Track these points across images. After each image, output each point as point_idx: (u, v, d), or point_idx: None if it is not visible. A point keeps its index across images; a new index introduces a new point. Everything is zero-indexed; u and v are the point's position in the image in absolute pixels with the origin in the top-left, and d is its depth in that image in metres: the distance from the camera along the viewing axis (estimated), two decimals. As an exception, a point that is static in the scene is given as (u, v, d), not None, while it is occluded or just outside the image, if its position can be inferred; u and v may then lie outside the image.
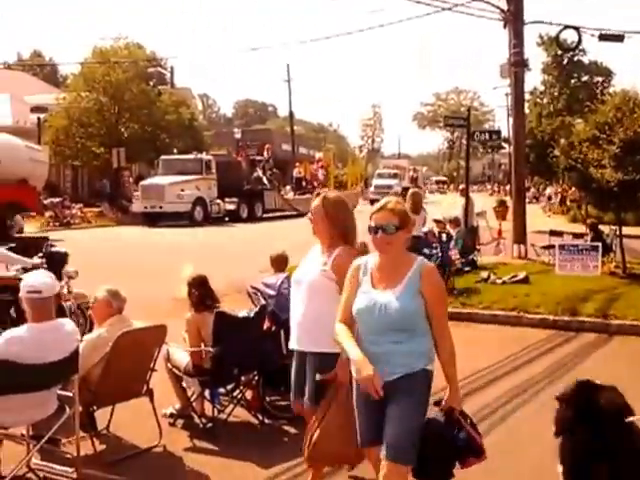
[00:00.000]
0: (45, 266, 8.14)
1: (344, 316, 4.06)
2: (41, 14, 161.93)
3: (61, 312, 7.79)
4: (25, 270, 7.94)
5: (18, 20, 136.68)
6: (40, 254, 8.62)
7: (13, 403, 4.78)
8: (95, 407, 5.72)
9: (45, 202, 30.12)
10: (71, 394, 5.16)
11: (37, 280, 5.04)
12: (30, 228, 25.88)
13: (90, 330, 7.24)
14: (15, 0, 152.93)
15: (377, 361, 3.81)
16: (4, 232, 22.56)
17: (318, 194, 5.03)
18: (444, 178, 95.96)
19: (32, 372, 4.74)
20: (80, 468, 5.16)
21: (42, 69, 70.93)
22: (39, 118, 34.03)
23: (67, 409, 5.14)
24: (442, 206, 31.17)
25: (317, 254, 4.90)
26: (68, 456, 5.35)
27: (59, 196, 33.16)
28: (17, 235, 9.73)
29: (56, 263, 8.45)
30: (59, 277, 7.91)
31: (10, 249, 8.88)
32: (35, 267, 8.06)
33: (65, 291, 8.26)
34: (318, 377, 4.60)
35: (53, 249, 8.88)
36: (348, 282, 4.10)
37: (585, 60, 56.60)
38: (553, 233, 17.47)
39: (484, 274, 13.83)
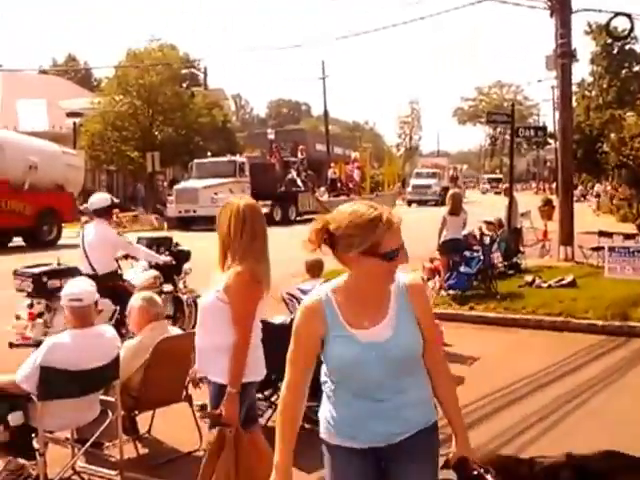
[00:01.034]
0: (174, 262, 9.47)
1: (294, 378, 3.12)
2: (75, 18, 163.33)
3: (179, 304, 9.52)
4: (153, 267, 9.21)
5: (53, 25, 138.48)
6: (167, 252, 9.65)
7: (57, 408, 4.91)
8: (137, 412, 5.90)
9: (81, 207, 29.99)
10: (113, 399, 5.32)
11: (78, 288, 5.23)
12: (67, 233, 25.79)
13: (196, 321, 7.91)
14: (49, 6, 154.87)
15: (377, 422, 2.92)
16: (41, 239, 22.52)
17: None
18: (499, 175, 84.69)
19: (75, 378, 4.90)
20: (123, 471, 5.33)
21: (76, 73, 71.45)
22: (75, 123, 34.11)
23: (110, 414, 5.29)
24: (482, 206, 30.27)
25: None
26: (112, 459, 5.53)
27: (94, 201, 32.89)
28: (144, 235, 10.88)
29: (181, 260, 9.79)
30: (179, 273, 9.77)
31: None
32: (165, 264, 9.27)
33: (181, 285, 9.72)
34: (199, 415, 4.35)
35: (179, 248, 10.05)
36: (302, 331, 3.01)
37: (637, 49, 53.89)
38: (602, 234, 16.71)
39: (528, 278, 13.40)
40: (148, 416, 6.06)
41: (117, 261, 8.89)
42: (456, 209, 12.70)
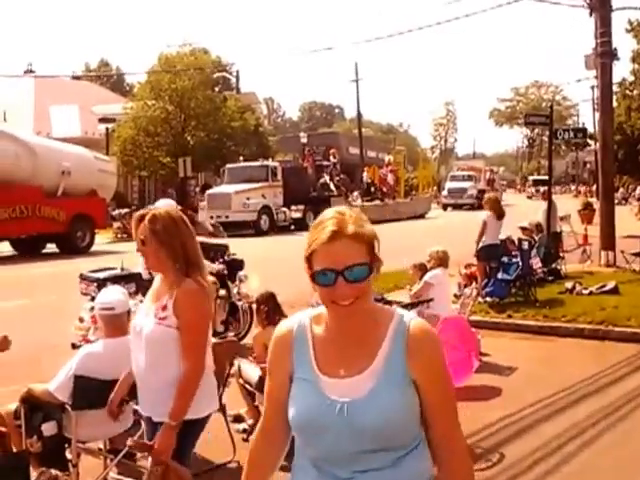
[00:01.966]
0: (226, 272, 9.61)
1: (267, 416, 2.37)
2: (108, 23, 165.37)
3: (234, 309, 9.75)
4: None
5: (86, 30, 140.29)
6: (221, 260, 9.81)
7: (90, 418, 4.83)
8: None
9: (113, 213, 30.16)
10: None
11: (111, 297, 5.20)
12: (99, 239, 26.06)
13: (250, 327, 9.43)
14: (82, 11, 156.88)
15: None
16: (74, 245, 22.63)
17: (142, 216, 3.70)
18: (545, 177, 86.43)
19: (108, 387, 4.73)
20: (156, 482, 5.09)
21: (109, 78, 72.14)
22: (107, 129, 34.31)
23: (142, 424, 4.81)
24: (519, 210, 29.78)
25: (158, 290, 3.75)
26: (144, 470, 5.10)
27: (127, 207, 33.03)
28: (201, 239, 10.26)
29: (235, 268, 9.93)
30: (234, 280, 9.86)
31: None
32: (218, 272, 9.26)
33: (235, 292, 9.82)
34: (129, 441, 3.71)
35: (233, 257, 10.20)
36: (271, 365, 2.38)
37: (680, 46, 53.01)
38: (645, 238, 16.29)
39: (569, 284, 13.09)
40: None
41: None
42: (498, 213, 12.49)
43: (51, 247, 23.72)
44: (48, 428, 4.94)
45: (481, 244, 12.29)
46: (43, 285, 14.82)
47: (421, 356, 2.12)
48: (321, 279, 2.09)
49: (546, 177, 61.52)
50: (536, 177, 78.99)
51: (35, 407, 4.97)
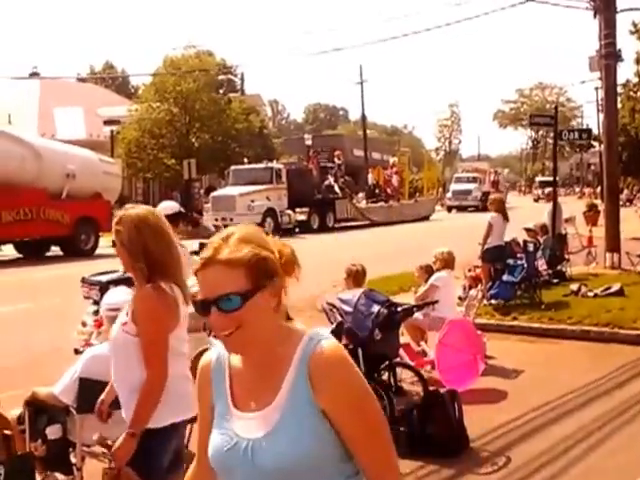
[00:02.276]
0: None
1: (200, 446, 2.14)
2: (113, 26, 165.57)
3: None
4: None
5: (91, 32, 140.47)
6: None
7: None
8: None
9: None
10: None
11: (117, 298, 5.05)
12: (104, 242, 26.05)
13: None
14: (87, 14, 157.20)
15: None
16: (79, 248, 22.61)
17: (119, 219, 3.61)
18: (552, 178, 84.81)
19: None
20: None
21: (114, 81, 72.19)
22: (112, 131, 34.30)
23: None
24: (523, 213, 29.75)
25: None
26: None
27: (131, 209, 33.02)
28: (204, 241, 10.17)
29: None
30: None
31: (194, 253, 9.22)
32: None
33: None
34: (95, 436, 3.72)
35: None
36: (197, 398, 2.17)
37: (684, 48, 52.92)
38: (650, 240, 16.14)
39: (574, 286, 12.98)
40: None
41: None
42: (503, 215, 12.46)
43: (55, 250, 23.67)
44: (52, 431, 4.87)
45: (486, 245, 12.25)
46: (47, 288, 14.80)
47: (327, 383, 1.86)
48: (198, 309, 1.95)
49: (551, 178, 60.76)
50: (543, 178, 75.90)
51: (40, 410, 4.91)
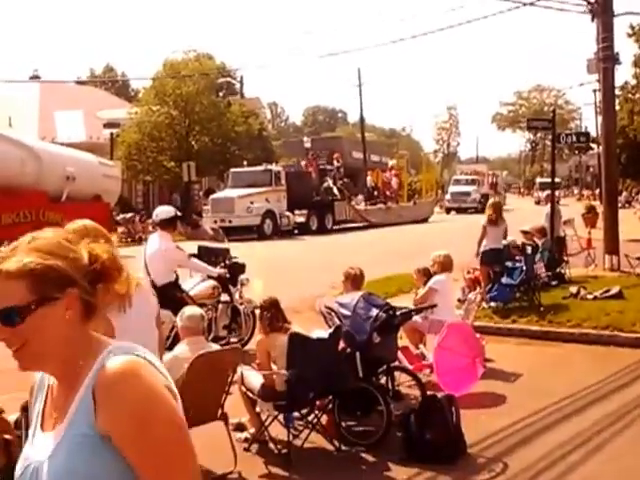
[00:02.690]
0: (228, 275, 9.63)
1: None
2: (113, 29, 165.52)
3: (236, 313, 9.78)
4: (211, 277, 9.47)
5: (91, 35, 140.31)
6: (222, 264, 9.83)
7: None
8: None
9: (117, 218, 30.12)
10: None
11: None
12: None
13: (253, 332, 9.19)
14: (87, 17, 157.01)
15: None
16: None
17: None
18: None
19: None
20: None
21: (114, 84, 72.16)
22: (112, 134, 34.28)
23: None
24: (521, 214, 29.75)
25: None
26: None
27: (131, 212, 32.99)
28: (202, 244, 10.87)
29: (236, 272, 9.94)
30: (235, 284, 9.87)
31: (192, 256, 9.64)
32: (220, 276, 9.45)
33: (237, 296, 9.85)
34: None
35: (234, 260, 10.18)
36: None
37: (681, 51, 52.96)
38: (649, 242, 16.13)
39: (573, 289, 12.97)
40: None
41: (176, 272, 8.92)
42: (496, 218, 12.50)
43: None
44: None
45: (483, 248, 12.29)
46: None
47: (107, 402, 1.67)
48: None
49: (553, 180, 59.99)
50: (543, 180, 72.21)
51: None
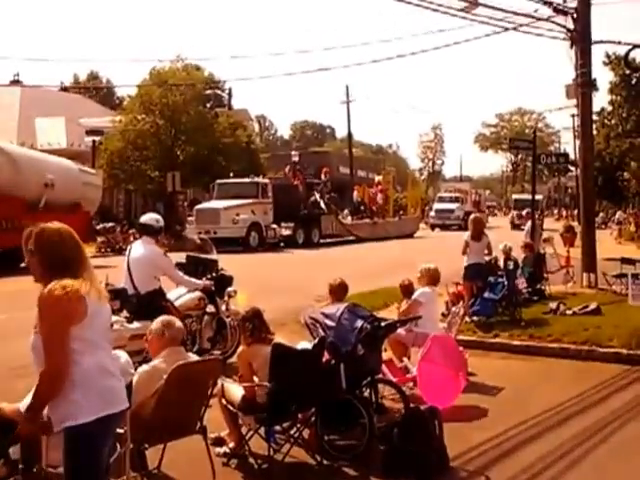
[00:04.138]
0: (213, 288, 9.42)
1: None
2: (98, 35, 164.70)
3: (222, 326, 9.62)
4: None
5: (75, 41, 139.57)
6: (209, 276, 9.62)
7: (61, 441, 4.17)
8: (147, 445, 5.40)
9: (97, 227, 29.83)
10: (122, 431, 4.62)
11: None
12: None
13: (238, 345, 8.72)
14: (74, 22, 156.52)
15: None
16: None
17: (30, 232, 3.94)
18: (528, 196, 77.84)
19: None
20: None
21: (98, 91, 71.69)
22: (94, 141, 33.98)
23: (118, 447, 4.70)
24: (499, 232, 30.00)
25: None
26: None
27: (112, 221, 32.70)
28: (190, 253, 10.58)
29: (223, 284, 9.75)
30: (222, 296, 9.71)
31: (179, 266, 9.57)
32: (205, 288, 9.29)
33: (223, 308, 9.72)
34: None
35: (222, 272, 9.97)
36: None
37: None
38: (625, 261, 16.46)
39: (553, 304, 13.26)
40: (158, 450, 5.68)
41: (159, 280, 8.79)
42: (478, 234, 12.75)
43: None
44: (16, 451, 4.70)
45: (466, 263, 12.58)
46: (19, 300, 14.56)
47: None
48: None
49: (529, 196, 60.22)
50: (519, 196, 68.47)
51: (4, 428, 4.68)
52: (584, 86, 16.90)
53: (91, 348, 3.67)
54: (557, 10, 16.42)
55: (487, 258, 13.13)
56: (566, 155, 21.48)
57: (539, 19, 16.85)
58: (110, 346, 3.94)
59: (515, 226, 45.45)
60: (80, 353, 3.61)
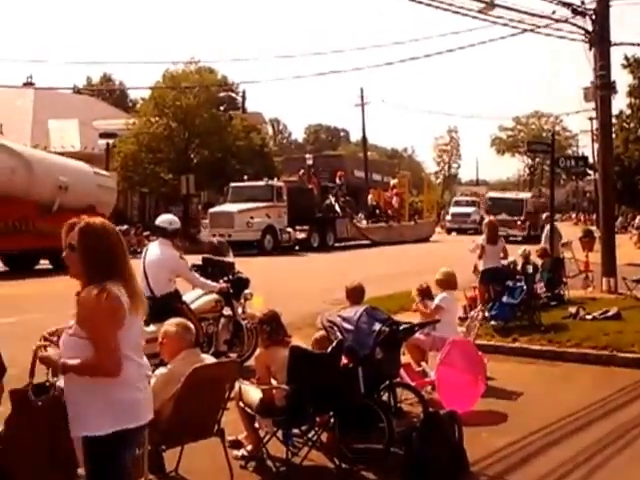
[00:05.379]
0: (231, 290, 9.37)
1: None
2: (112, 38, 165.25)
3: (239, 329, 9.61)
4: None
5: (88, 44, 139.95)
6: (226, 278, 9.56)
7: (79, 443, 4.10)
8: (164, 447, 5.42)
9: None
10: None
11: None
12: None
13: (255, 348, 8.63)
14: (87, 25, 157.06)
15: None
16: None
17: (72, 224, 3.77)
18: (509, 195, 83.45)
19: None
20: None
21: (112, 93, 71.77)
22: (108, 144, 34.05)
23: (136, 449, 4.53)
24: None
25: None
26: None
27: (126, 223, 32.76)
28: (207, 256, 10.38)
29: (240, 287, 9.72)
30: (238, 299, 9.68)
31: (196, 268, 9.57)
32: (221, 290, 9.22)
33: (240, 311, 9.68)
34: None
35: (239, 275, 9.95)
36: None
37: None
38: (645, 266, 16.23)
39: (572, 309, 13.08)
40: (175, 452, 5.67)
41: (175, 282, 8.75)
42: (493, 237, 12.75)
43: (44, 263, 23.18)
44: None
45: (482, 267, 12.60)
46: (34, 302, 14.56)
47: None
48: None
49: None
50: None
51: None
52: (603, 89, 16.75)
53: (128, 360, 3.61)
54: (576, 11, 16.25)
55: (505, 262, 13.11)
56: (585, 158, 21.23)
57: (557, 20, 16.67)
58: (140, 356, 3.82)
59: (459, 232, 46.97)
60: None
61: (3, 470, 4.30)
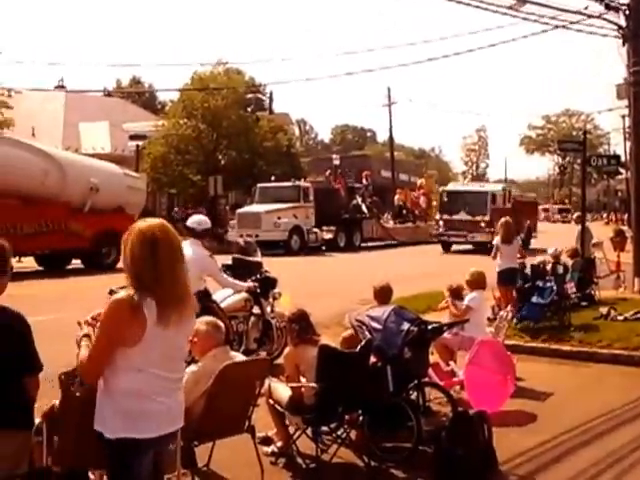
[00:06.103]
0: (258, 290, 9.49)
1: None
2: (141, 40, 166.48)
3: (268, 327, 9.69)
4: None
5: (118, 47, 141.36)
6: (254, 277, 9.64)
7: None
8: (196, 442, 5.45)
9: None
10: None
11: None
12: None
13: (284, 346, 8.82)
14: (116, 27, 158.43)
15: None
16: (100, 261, 22.52)
17: None
18: (567, 206, 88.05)
19: None
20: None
21: (140, 96, 72.36)
22: (137, 146, 34.35)
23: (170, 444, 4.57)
24: (550, 235, 29.53)
25: None
26: None
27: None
28: (236, 255, 10.59)
29: (267, 286, 9.81)
30: (267, 298, 9.77)
31: (226, 267, 9.77)
32: (250, 289, 9.36)
33: (269, 310, 9.76)
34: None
35: (266, 274, 10.04)
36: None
37: None
38: (679, 265, 16.08)
39: (603, 310, 12.90)
40: (207, 448, 5.70)
41: (205, 281, 8.82)
42: (508, 237, 12.69)
43: (76, 263, 23.48)
44: None
45: (499, 268, 12.50)
46: (71, 300, 14.72)
47: None
48: None
49: (568, 206, 59.66)
50: (559, 206, 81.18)
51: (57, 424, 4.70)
52: (636, 85, 16.37)
53: (132, 372, 3.50)
54: (608, 6, 15.97)
55: (535, 262, 13.08)
56: (617, 157, 20.84)
57: (590, 16, 16.39)
58: (169, 369, 3.68)
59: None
60: (114, 372, 3.51)
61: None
